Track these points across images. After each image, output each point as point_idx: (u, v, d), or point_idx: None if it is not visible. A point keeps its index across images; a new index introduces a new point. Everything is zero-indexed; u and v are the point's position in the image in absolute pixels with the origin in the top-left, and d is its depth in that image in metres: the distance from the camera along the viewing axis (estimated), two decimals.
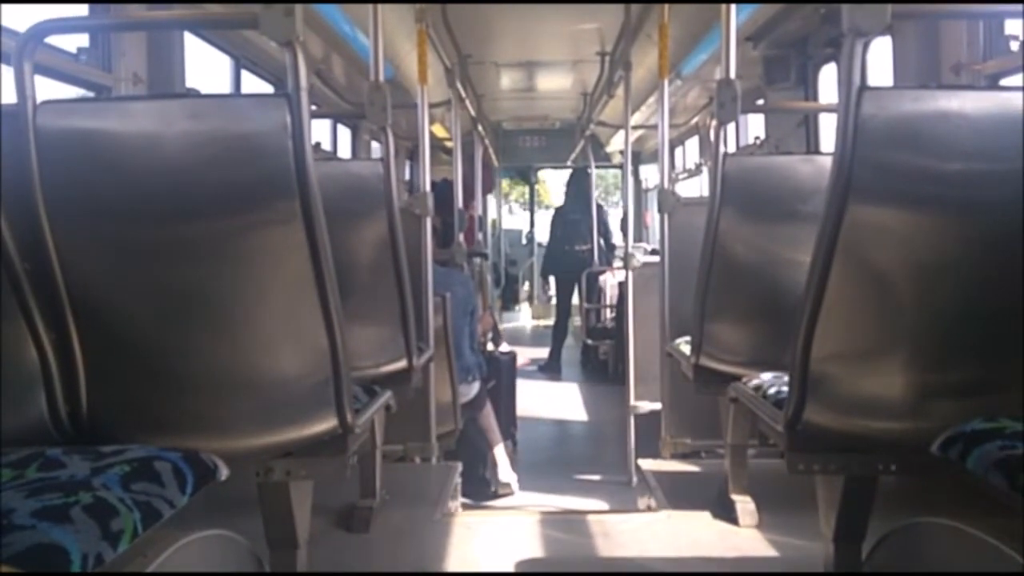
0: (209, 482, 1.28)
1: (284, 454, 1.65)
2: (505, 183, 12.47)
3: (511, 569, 2.26)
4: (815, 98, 4.28)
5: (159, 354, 1.56)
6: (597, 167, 8.51)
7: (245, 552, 1.49)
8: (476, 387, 4.20)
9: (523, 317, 11.56)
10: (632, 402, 4.08)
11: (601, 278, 7.39)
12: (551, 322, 8.25)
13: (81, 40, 2.63)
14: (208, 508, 1.36)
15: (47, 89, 2.31)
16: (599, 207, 8.24)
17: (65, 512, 0.99)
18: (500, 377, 4.96)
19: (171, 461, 1.21)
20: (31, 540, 0.91)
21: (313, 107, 1.50)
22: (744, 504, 2.47)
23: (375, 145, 6.26)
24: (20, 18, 2.05)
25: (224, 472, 1.33)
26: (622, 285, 5.83)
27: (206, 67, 3.65)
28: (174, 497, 1.17)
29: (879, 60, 3.02)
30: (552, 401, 6.83)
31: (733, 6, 2.46)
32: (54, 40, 2.43)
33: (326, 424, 1.62)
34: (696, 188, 7.56)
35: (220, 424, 1.60)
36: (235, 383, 1.58)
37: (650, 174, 10.18)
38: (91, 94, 2.64)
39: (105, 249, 1.52)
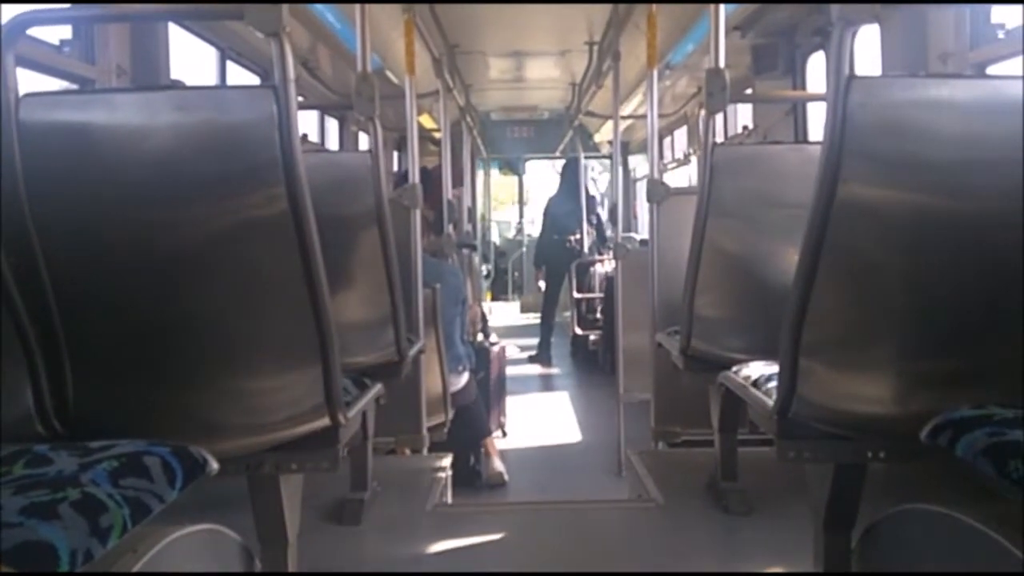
0: (198, 476, 1.27)
1: (274, 448, 1.64)
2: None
3: (502, 559, 2.27)
4: (803, 87, 4.29)
5: (146, 349, 1.54)
6: (586, 158, 8.50)
7: (236, 546, 1.48)
8: (466, 377, 4.20)
9: (512, 309, 11.56)
10: (622, 392, 4.09)
11: (591, 268, 7.40)
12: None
13: (64, 32, 2.60)
14: (198, 503, 1.35)
15: (30, 82, 2.29)
16: (590, 197, 8.23)
17: (53, 509, 0.98)
18: (489, 368, 4.97)
19: (160, 456, 1.20)
20: (19, 538, 0.90)
21: (300, 98, 1.48)
22: (734, 492, 2.48)
23: (363, 137, 6.23)
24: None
25: (214, 466, 1.32)
26: (611, 275, 5.84)
27: (190, 58, 3.62)
28: (163, 492, 1.16)
29: (866, 47, 3.03)
30: (542, 391, 6.84)
31: None
32: (37, 32, 2.40)
33: (316, 418, 1.61)
34: (684, 178, 7.58)
35: (209, 418, 1.59)
36: (224, 377, 1.57)
37: (638, 164, 10.18)
38: (75, 86, 2.61)
39: (91, 243, 1.50)
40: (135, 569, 1.11)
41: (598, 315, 7.19)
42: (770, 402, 1.68)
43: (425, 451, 3.30)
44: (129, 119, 1.48)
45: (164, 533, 1.21)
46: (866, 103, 1.41)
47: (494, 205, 12.80)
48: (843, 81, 1.40)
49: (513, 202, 13.01)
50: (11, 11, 1.57)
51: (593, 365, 7.22)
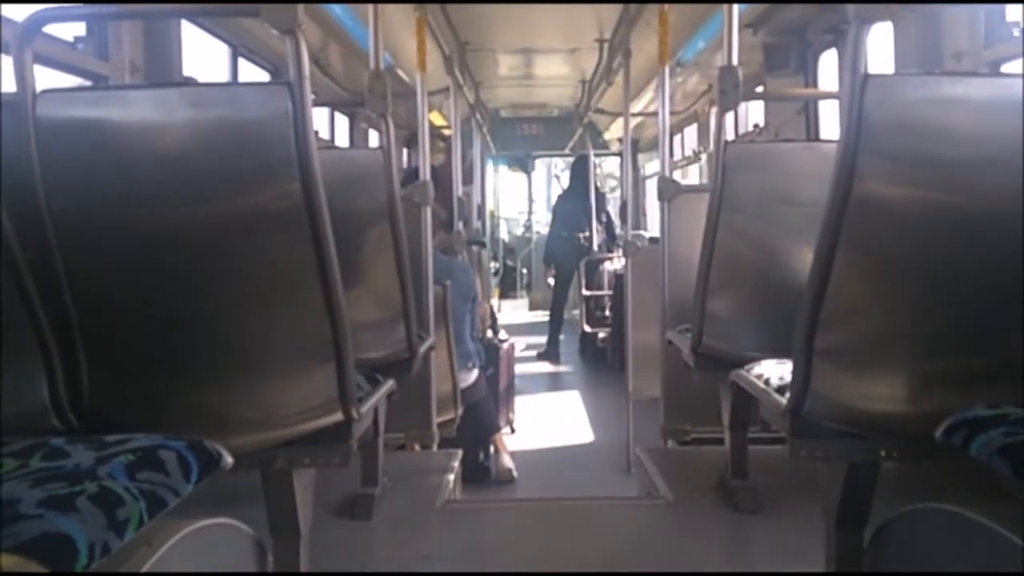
0: (213, 471, 1.28)
1: (287, 442, 1.65)
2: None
3: (511, 555, 2.27)
4: (815, 85, 4.27)
5: (161, 343, 1.55)
6: (596, 155, 8.48)
7: (249, 540, 1.49)
8: (475, 373, 4.21)
9: (521, 307, 11.56)
10: (631, 389, 4.09)
11: (600, 266, 7.40)
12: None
13: (78, 29, 2.61)
14: (212, 497, 1.36)
15: (45, 78, 2.30)
16: (600, 194, 8.22)
17: (71, 501, 0.98)
18: (498, 365, 4.98)
19: (176, 450, 1.21)
20: (38, 529, 0.91)
21: (312, 95, 1.49)
22: (744, 490, 2.47)
23: (373, 133, 6.24)
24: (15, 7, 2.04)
25: (228, 460, 1.32)
26: (620, 273, 5.83)
27: (199, 54, 3.63)
28: (179, 486, 1.16)
29: (878, 45, 3.02)
30: (550, 388, 6.84)
31: None
32: (52, 29, 2.41)
33: (329, 413, 1.62)
34: (695, 176, 7.56)
35: (223, 413, 1.60)
36: (238, 372, 1.58)
37: (647, 162, 10.16)
38: (88, 83, 2.63)
39: (106, 238, 1.51)
40: (150, 561, 1.12)
41: (607, 313, 7.18)
42: (783, 400, 1.68)
43: (435, 447, 3.31)
44: (144, 115, 1.49)
45: (178, 527, 1.22)
46: (882, 101, 1.41)
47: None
48: (859, 79, 1.40)
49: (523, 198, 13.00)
50: (15, 10, 1.58)
51: (602, 362, 7.21)
